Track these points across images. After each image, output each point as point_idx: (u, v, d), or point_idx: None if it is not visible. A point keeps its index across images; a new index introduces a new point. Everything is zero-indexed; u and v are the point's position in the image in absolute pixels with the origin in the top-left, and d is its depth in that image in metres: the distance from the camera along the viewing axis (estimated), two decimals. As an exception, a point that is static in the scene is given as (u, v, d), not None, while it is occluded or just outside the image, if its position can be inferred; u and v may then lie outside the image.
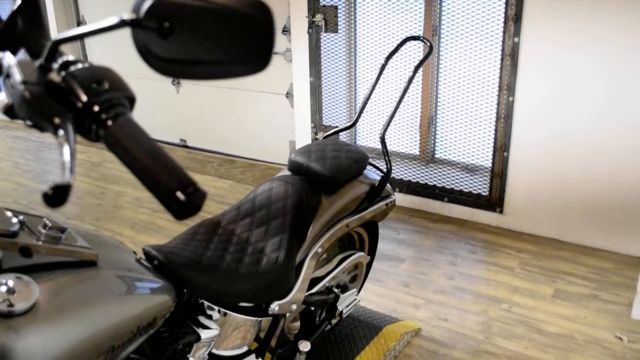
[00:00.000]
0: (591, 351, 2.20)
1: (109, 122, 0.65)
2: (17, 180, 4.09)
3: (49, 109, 0.64)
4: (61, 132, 0.64)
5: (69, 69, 0.66)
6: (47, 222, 0.98)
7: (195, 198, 0.63)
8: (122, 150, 0.64)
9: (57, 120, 0.64)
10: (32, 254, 0.91)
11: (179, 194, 0.62)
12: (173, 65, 0.63)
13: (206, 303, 1.37)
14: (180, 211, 0.63)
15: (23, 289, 0.86)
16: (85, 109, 0.65)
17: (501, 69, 2.99)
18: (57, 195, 0.60)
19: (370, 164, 2.01)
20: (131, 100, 0.68)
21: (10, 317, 0.82)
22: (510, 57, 2.92)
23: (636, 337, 2.27)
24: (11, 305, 0.82)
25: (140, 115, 4.78)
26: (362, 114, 2.05)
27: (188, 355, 1.31)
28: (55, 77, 0.65)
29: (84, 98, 0.64)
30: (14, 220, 0.94)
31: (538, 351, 2.21)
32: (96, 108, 0.65)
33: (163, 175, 0.63)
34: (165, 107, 4.81)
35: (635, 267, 2.78)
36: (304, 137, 3.90)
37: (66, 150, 0.63)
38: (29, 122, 0.65)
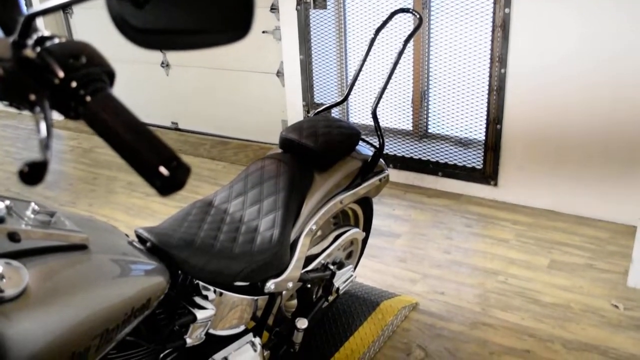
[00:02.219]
0: (588, 320, 2.22)
1: (88, 98, 0.63)
2: (9, 168, 4.06)
3: (24, 86, 0.62)
4: (37, 109, 0.62)
5: (44, 44, 0.64)
6: (35, 206, 0.97)
7: (179, 173, 0.61)
8: (102, 126, 0.62)
9: (32, 97, 0.62)
10: (21, 238, 0.90)
11: (162, 169, 0.61)
12: (150, 36, 0.61)
13: (201, 283, 1.36)
14: (164, 187, 0.61)
15: (12, 274, 0.84)
16: (63, 85, 0.62)
17: (492, 41, 2.96)
18: (34, 173, 0.59)
19: (363, 140, 2.00)
20: (110, 75, 0.66)
21: (0, 303, 0.81)
22: (501, 28, 2.89)
23: (632, 305, 2.29)
24: (1, 291, 0.81)
25: (131, 99, 4.71)
26: (353, 90, 2.03)
27: (185, 336, 1.31)
28: (30, 53, 0.63)
29: (61, 74, 0.62)
30: (0, 205, 0.92)
31: (535, 321, 2.22)
32: (74, 84, 0.63)
33: (145, 150, 0.61)
34: (155, 90, 4.76)
35: (630, 235, 2.78)
36: (296, 115, 3.87)
37: (43, 127, 0.61)
38: (5, 101, 0.63)
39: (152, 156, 0.61)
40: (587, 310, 2.28)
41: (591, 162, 2.89)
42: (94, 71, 0.64)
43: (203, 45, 0.63)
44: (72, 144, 4.57)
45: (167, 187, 0.61)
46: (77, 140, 4.65)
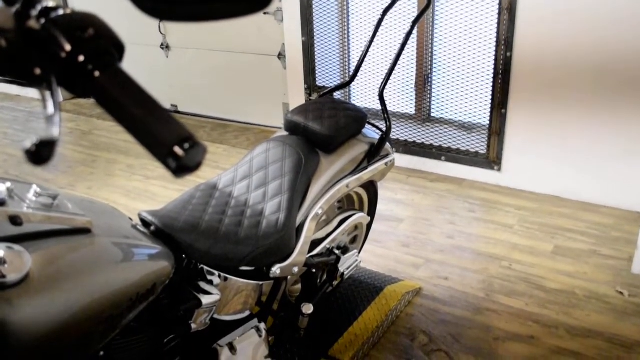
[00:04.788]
0: (592, 306, 2.20)
1: (97, 73, 0.59)
2: (7, 151, 4.02)
3: (29, 59, 0.58)
4: (44, 85, 0.58)
5: (49, 15, 0.60)
6: (37, 188, 0.94)
7: (195, 153, 0.58)
8: (113, 103, 0.59)
9: (38, 72, 0.58)
10: (23, 222, 0.87)
11: (177, 149, 0.57)
12: (165, 5, 0.57)
13: (206, 268, 1.34)
14: (179, 167, 0.58)
15: (14, 259, 0.82)
16: (70, 59, 0.59)
17: (499, 24, 2.91)
18: (42, 152, 0.55)
19: (369, 123, 1.96)
20: (120, 49, 0.63)
21: (2, 288, 0.78)
22: (508, 11, 2.84)
23: (637, 292, 2.27)
24: (3, 276, 0.79)
25: (129, 81, 4.68)
26: (359, 72, 1.99)
27: (189, 322, 1.28)
28: (34, 24, 0.59)
29: (68, 47, 0.58)
30: (1, 187, 0.89)
31: (539, 307, 2.20)
32: (81, 58, 0.59)
33: (158, 128, 0.57)
34: (154, 72, 4.70)
35: (635, 222, 2.77)
36: (297, 98, 3.82)
37: (50, 103, 0.57)
38: (8, 76, 0.60)
39: (166, 135, 0.58)
40: (591, 296, 2.26)
41: (596, 147, 2.86)
42: (102, 44, 0.60)
43: (222, 15, 0.59)
44: (71, 126, 4.52)
45: (182, 168, 0.58)
46: (76, 122, 4.60)
